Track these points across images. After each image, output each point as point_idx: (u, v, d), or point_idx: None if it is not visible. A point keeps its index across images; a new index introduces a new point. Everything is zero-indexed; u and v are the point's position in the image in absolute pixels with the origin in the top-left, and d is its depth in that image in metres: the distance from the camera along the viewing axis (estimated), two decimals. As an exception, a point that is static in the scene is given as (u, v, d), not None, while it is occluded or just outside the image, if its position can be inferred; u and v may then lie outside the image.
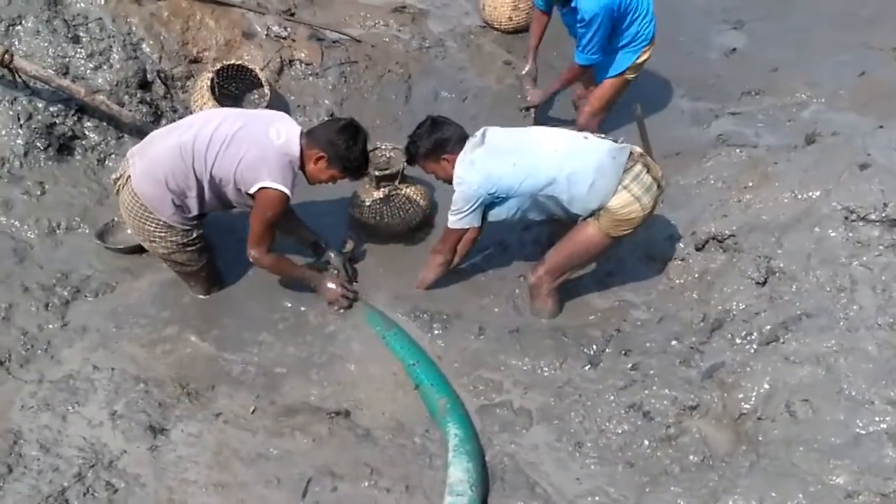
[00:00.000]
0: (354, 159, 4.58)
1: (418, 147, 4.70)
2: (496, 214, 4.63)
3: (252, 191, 4.46)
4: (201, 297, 5.08)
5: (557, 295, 4.94)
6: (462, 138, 4.62)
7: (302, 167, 4.58)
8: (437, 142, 4.63)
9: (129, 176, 4.53)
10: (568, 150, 4.47)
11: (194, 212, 4.64)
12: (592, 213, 4.49)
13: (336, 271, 5.14)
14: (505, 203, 4.55)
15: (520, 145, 4.55)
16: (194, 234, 4.75)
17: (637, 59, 5.84)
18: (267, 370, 4.62)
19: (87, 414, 4.24)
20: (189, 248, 4.77)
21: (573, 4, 5.60)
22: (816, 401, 3.89)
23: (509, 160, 4.46)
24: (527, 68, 6.42)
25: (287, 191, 4.47)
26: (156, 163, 4.47)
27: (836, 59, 7.08)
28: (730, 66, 7.42)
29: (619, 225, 4.47)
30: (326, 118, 6.41)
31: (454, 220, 4.63)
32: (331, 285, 5.00)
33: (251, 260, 4.77)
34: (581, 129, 5.87)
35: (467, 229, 4.70)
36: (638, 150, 4.55)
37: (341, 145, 4.50)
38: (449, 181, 4.67)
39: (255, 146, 4.43)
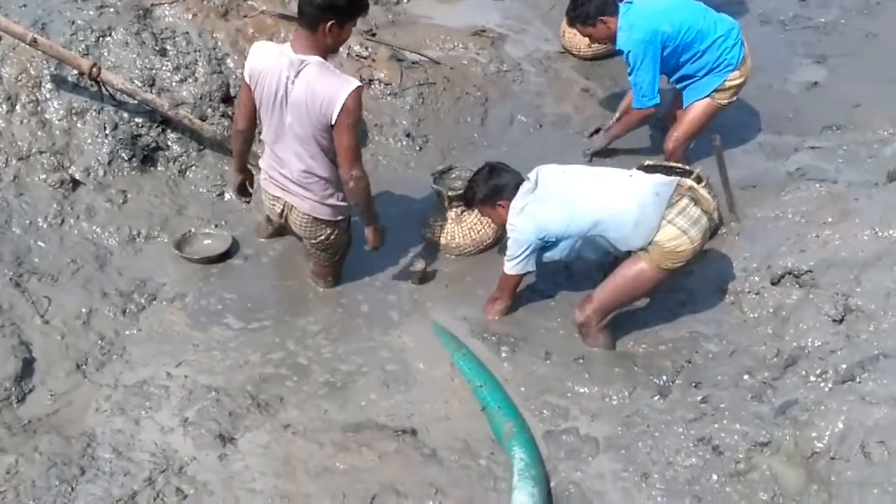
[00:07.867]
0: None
1: (475, 193, 4.91)
2: (550, 257, 4.75)
3: (344, 97, 4.33)
4: (329, 289, 5.30)
5: (608, 329, 4.90)
6: (518, 185, 4.76)
7: (329, 51, 4.51)
8: (493, 188, 4.82)
9: (294, 206, 4.80)
10: (611, 191, 4.55)
11: None
12: (642, 248, 4.51)
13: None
14: (557, 246, 4.66)
15: (565, 190, 4.64)
16: None
17: (723, 82, 5.82)
18: (335, 385, 4.65)
19: (159, 420, 4.32)
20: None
21: (618, 47, 5.64)
22: (893, 443, 3.77)
23: (555, 206, 4.58)
24: (592, 150, 6.38)
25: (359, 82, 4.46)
26: (304, 175, 4.65)
27: (921, 97, 6.94)
28: (811, 100, 7.30)
29: (669, 257, 4.47)
30: (403, 138, 6.51)
31: (510, 266, 4.76)
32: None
33: (354, 180, 4.60)
34: (669, 154, 5.90)
35: (524, 274, 4.81)
36: (688, 182, 4.53)
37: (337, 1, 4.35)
38: (503, 226, 4.86)
39: (311, 74, 4.39)
